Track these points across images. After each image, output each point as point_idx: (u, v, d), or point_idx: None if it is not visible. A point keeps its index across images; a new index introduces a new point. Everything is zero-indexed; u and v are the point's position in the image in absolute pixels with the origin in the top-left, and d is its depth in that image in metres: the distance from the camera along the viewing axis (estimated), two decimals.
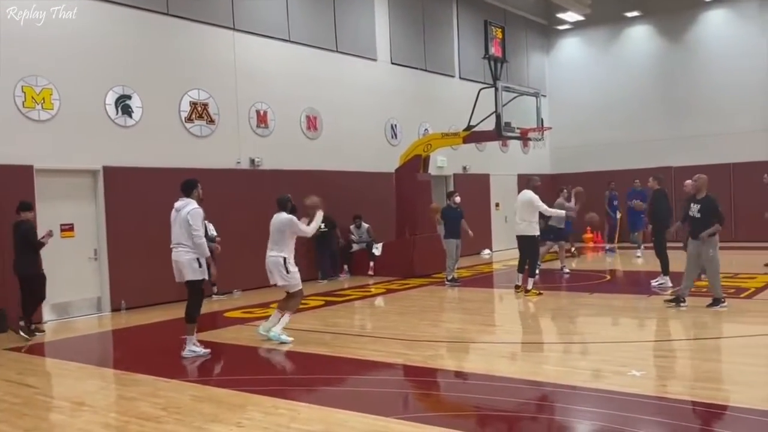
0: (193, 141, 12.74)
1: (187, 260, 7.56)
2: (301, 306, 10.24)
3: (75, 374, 7.41)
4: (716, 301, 9.20)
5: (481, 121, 14.24)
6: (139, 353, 8.34)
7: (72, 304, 10.98)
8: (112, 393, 6.63)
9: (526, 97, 14.62)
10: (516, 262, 11.79)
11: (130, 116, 11.73)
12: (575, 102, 22.84)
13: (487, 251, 19.56)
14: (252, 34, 13.87)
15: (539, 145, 16.68)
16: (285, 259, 8.16)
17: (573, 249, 17.02)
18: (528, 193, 11.23)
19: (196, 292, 7.78)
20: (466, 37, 19.68)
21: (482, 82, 16.66)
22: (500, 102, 13.68)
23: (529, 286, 11.26)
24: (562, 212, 12.21)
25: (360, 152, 15.99)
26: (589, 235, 20.91)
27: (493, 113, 13.83)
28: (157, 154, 12.02)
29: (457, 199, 13.20)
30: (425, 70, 18.43)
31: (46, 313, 10.26)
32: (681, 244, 11.56)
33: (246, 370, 7.15)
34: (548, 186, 18.36)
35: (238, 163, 13.50)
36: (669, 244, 11.49)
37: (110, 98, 11.46)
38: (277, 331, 8.19)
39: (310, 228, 8.34)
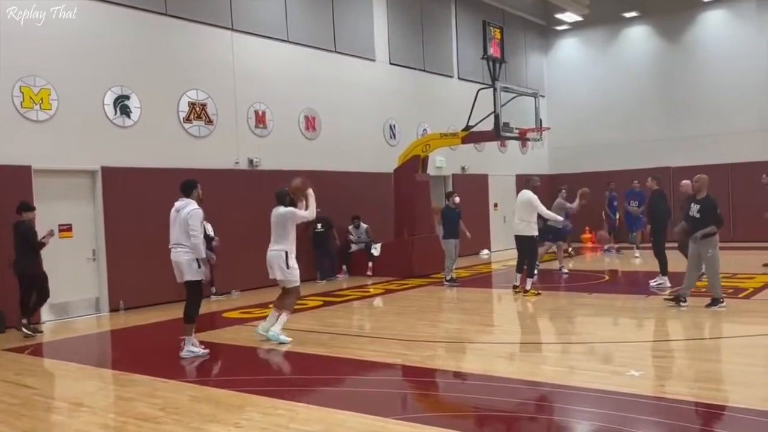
0: (192, 141, 12.73)
1: (187, 260, 7.56)
2: (300, 306, 10.26)
3: (73, 375, 7.40)
4: (715, 301, 9.21)
5: (480, 121, 14.25)
6: (138, 354, 8.33)
7: (70, 305, 10.97)
8: (110, 393, 6.62)
9: (525, 97, 14.62)
10: (515, 263, 11.78)
11: (129, 116, 11.73)
12: (574, 102, 22.86)
13: (485, 251, 19.56)
14: (250, 34, 13.87)
15: (538, 146, 16.69)
16: (287, 253, 8.15)
17: (570, 249, 17.02)
18: (527, 194, 11.23)
19: (194, 292, 7.77)
20: (465, 38, 19.69)
21: (481, 83, 16.67)
22: (499, 102, 13.68)
23: (528, 287, 11.26)
24: (560, 218, 12.12)
25: (359, 152, 15.99)
26: (587, 236, 20.93)
27: (491, 113, 13.83)
28: (156, 155, 12.01)
29: (457, 199, 13.20)
30: (424, 71, 18.44)
31: (45, 313, 10.25)
32: (675, 244, 11.61)
33: (244, 371, 7.15)
34: (547, 186, 18.37)
35: (237, 163, 13.49)
36: (666, 245, 11.50)
37: (109, 98, 11.45)
38: (276, 331, 8.18)
39: (308, 211, 8.26)
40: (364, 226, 15.45)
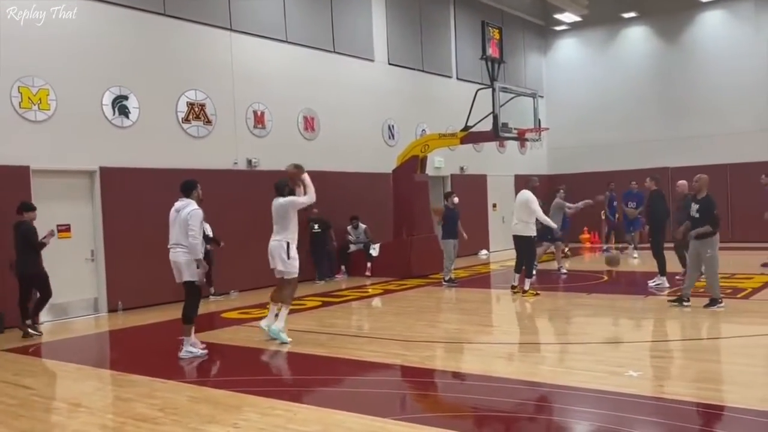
0: (190, 142, 12.72)
1: (186, 261, 7.56)
2: (298, 307, 10.27)
3: (72, 375, 7.40)
4: (713, 302, 9.21)
5: (479, 121, 14.25)
6: (136, 354, 8.32)
7: (69, 305, 10.96)
8: (108, 394, 6.62)
9: (524, 97, 14.61)
10: (513, 263, 11.78)
11: (127, 117, 11.72)
12: (572, 103, 22.87)
13: (484, 252, 19.56)
14: (249, 34, 13.86)
15: (536, 146, 16.73)
16: (288, 244, 8.19)
17: (566, 250, 17.01)
18: (526, 194, 11.23)
19: (193, 292, 7.77)
20: (464, 38, 19.69)
21: (479, 83, 16.68)
22: (497, 103, 13.68)
23: (527, 287, 11.26)
24: (553, 224, 11.96)
25: (357, 153, 15.99)
26: (586, 236, 20.94)
27: (490, 114, 13.83)
28: (154, 155, 12.00)
29: (455, 199, 13.20)
30: (422, 71, 18.44)
31: (43, 314, 10.21)
32: (672, 245, 11.62)
33: (243, 371, 7.14)
34: (545, 186, 18.37)
35: (235, 163, 13.49)
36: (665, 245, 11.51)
37: (107, 99, 11.44)
38: (279, 328, 8.21)
39: (307, 196, 8.27)
40: (362, 226, 15.45)
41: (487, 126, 14.08)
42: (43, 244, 9.39)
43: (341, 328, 9.36)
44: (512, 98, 14.20)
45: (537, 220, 11.45)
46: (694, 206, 9.35)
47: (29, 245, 9.27)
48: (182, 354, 7.65)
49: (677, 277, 11.85)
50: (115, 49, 11.60)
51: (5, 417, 5.70)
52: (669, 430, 4.90)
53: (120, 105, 11.61)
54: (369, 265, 15.09)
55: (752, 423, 4.96)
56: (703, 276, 9.80)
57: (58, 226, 10.43)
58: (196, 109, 12.82)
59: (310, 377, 6.94)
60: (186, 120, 12.64)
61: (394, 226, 15.30)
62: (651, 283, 11.62)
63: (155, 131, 12.10)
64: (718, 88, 20.15)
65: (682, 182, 11.86)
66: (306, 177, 8.31)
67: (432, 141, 15.33)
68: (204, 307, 9.95)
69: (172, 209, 7.75)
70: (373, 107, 16.79)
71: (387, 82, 17.28)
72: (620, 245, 17.88)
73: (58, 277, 9.95)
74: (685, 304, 9.38)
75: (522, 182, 11.99)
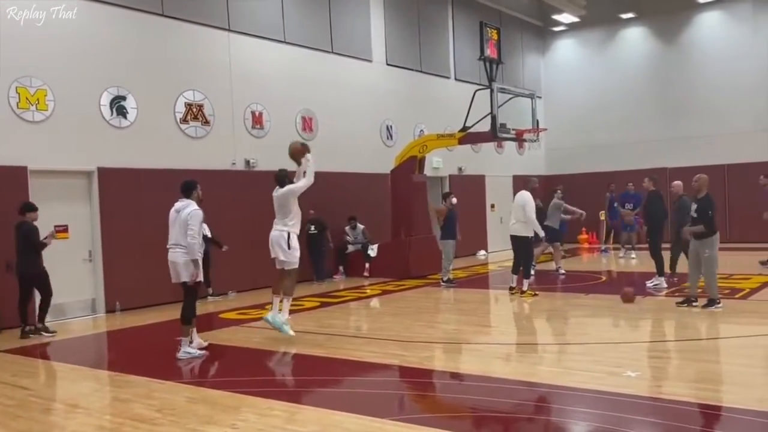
0: (188, 142, 12.71)
1: (184, 261, 7.56)
2: (297, 307, 10.26)
3: (69, 376, 7.39)
4: (711, 302, 9.21)
5: (477, 122, 14.26)
6: (134, 355, 8.31)
7: (66, 306, 10.93)
8: (106, 395, 6.61)
9: (522, 98, 14.62)
10: (511, 263, 11.78)
11: (125, 117, 11.70)
12: (570, 103, 22.88)
13: (482, 252, 19.57)
14: (247, 35, 13.85)
15: (534, 146, 16.72)
16: (289, 234, 8.24)
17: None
18: (525, 195, 11.23)
19: (190, 293, 7.77)
20: (462, 39, 19.70)
21: (478, 84, 16.68)
22: (496, 103, 13.68)
23: (525, 287, 11.26)
24: (541, 232, 11.67)
25: (356, 153, 15.98)
26: (584, 236, 20.95)
27: (488, 114, 13.84)
28: (152, 156, 11.99)
29: (454, 200, 13.21)
30: (421, 72, 18.44)
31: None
32: (668, 245, 11.64)
33: (241, 372, 7.13)
34: (544, 187, 18.37)
35: (234, 164, 13.48)
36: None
37: (105, 99, 11.43)
38: (282, 320, 8.25)
39: (305, 179, 8.28)
40: (360, 226, 15.44)
41: (485, 126, 14.08)
42: (44, 245, 9.40)
43: (339, 328, 9.36)
44: (510, 99, 14.21)
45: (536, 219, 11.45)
46: (694, 206, 9.35)
47: (30, 246, 9.29)
48: (180, 355, 7.65)
49: (673, 279, 11.88)
50: (113, 49, 11.58)
51: (3, 418, 5.68)
52: (667, 430, 4.90)
53: (118, 105, 11.60)
54: (367, 265, 15.08)
55: (750, 423, 4.96)
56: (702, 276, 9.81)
57: (55, 226, 10.40)
58: (194, 110, 12.81)
59: (308, 378, 6.94)
60: (184, 120, 12.63)
61: (393, 227, 15.29)
62: (649, 284, 11.62)
63: (153, 132, 12.09)
64: (716, 88, 20.18)
65: (677, 183, 11.88)
66: (310, 158, 8.33)
67: (430, 141, 15.33)
68: (202, 308, 9.95)
69: (172, 209, 7.75)
70: (372, 108, 16.79)
71: (385, 83, 17.28)
72: (626, 246, 17.86)
73: (56, 277, 9.93)
74: (694, 304, 9.36)
75: (520, 183, 11.98)
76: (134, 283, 11.37)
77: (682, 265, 11.56)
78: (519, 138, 14.63)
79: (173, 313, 9.55)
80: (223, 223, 12.48)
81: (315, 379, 6.83)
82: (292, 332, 8.27)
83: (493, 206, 20.57)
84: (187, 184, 7.86)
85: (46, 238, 9.44)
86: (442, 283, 13.03)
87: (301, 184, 8.29)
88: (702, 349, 7.44)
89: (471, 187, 19.50)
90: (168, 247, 7.71)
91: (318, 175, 8.58)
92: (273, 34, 14.35)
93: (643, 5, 21.36)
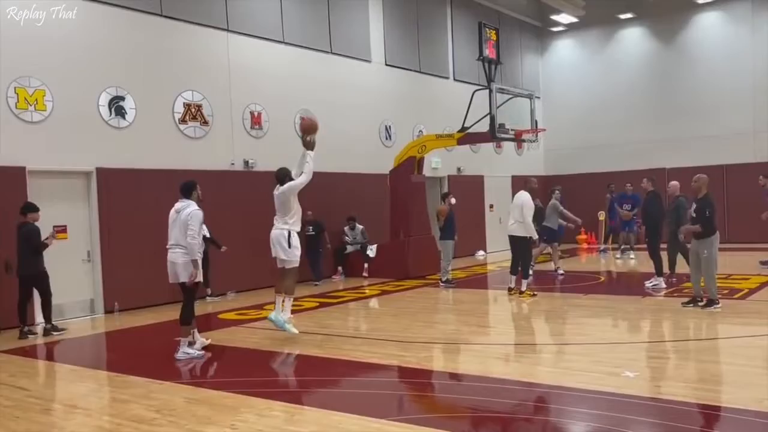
0: (187, 142, 12.71)
1: (184, 262, 7.56)
2: (296, 308, 10.23)
3: (68, 376, 7.38)
4: (710, 302, 9.22)
5: (476, 122, 14.25)
6: (133, 355, 8.30)
7: (65, 306, 10.91)
8: (105, 395, 6.60)
9: (521, 98, 14.63)
10: (509, 264, 11.78)
11: (124, 117, 11.70)
12: (569, 103, 22.90)
13: (481, 252, 19.58)
14: (246, 35, 13.85)
15: (533, 147, 16.74)
16: (289, 232, 8.27)
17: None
18: (524, 195, 11.23)
19: (189, 293, 7.77)
20: (461, 39, 19.70)
21: (476, 84, 16.70)
22: (494, 103, 13.69)
23: (523, 288, 11.25)
24: (534, 234, 11.58)
25: (354, 154, 15.98)
26: (583, 236, 20.96)
27: (487, 115, 13.84)
28: (151, 156, 11.98)
29: (452, 200, 13.21)
30: (419, 72, 18.45)
31: (39, 315, 10.19)
32: (664, 246, 11.63)
33: (240, 372, 7.13)
34: (542, 187, 18.38)
35: (232, 164, 13.47)
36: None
37: (103, 99, 11.42)
38: (284, 319, 8.30)
39: (304, 176, 8.32)
40: (359, 227, 15.43)
41: (484, 127, 14.08)
42: (45, 245, 9.43)
43: (338, 329, 9.36)
44: (509, 99, 14.21)
45: (533, 220, 11.44)
46: (694, 206, 9.35)
47: (31, 247, 9.30)
48: (179, 355, 7.65)
49: (672, 279, 11.89)
50: (111, 49, 11.58)
51: (1, 418, 5.68)
52: (666, 430, 4.90)
53: (116, 106, 11.59)
54: (366, 266, 15.08)
55: (749, 423, 4.97)
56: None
57: (54, 227, 10.40)
58: (193, 110, 12.80)
59: (307, 378, 6.95)
60: (183, 121, 12.62)
61: (391, 227, 15.29)
62: (648, 284, 11.63)
63: (152, 132, 12.08)
64: (714, 88, 20.19)
65: (674, 183, 11.91)
66: (311, 155, 8.41)
67: (429, 142, 15.33)
68: (201, 308, 9.95)
69: (172, 210, 7.75)
70: (370, 108, 16.79)
71: (384, 83, 17.28)
72: (624, 246, 17.84)
73: (55, 277, 9.93)
74: (699, 304, 9.36)
75: (519, 183, 11.97)
76: (133, 284, 11.36)
77: (681, 266, 11.60)
78: (518, 138, 14.64)
79: (172, 313, 9.55)
80: (222, 223, 12.47)
81: (314, 379, 6.83)
82: (295, 330, 8.33)
83: (491, 207, 20.57)
84: (186, 184, 7.86)
85: (47, 239, 9.48)
86: (441, 284, 13.03)
87: (301, 180, 8.33)
88: (701, 350, 7.45)
89: (470, 188, 19.51)
90: (168, 247, 7.71)
91: (317, 176, 8.59)
92: (272, 35, 14.34)
93: (642, 6, 21.37)
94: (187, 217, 7.53)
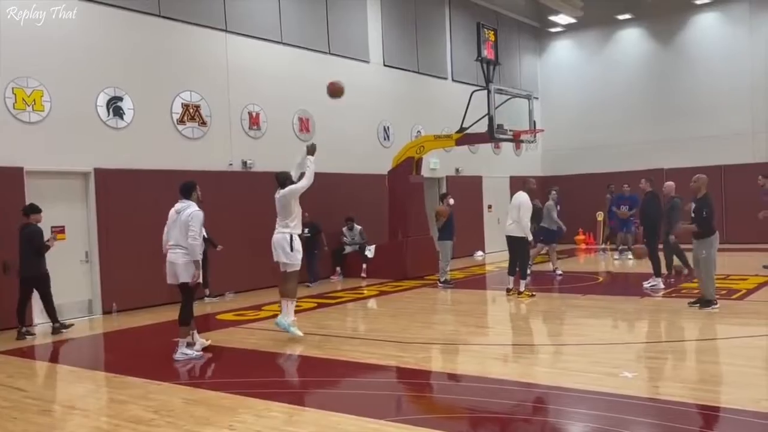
0: (185, 143, 12.70)
1: (184, 263, 7.56)
2: (294, 308, 10.22)
3: (66, 377, 7.38)
4: (708, 303, 9.23)
5: (474, 123, 14.26)
6: (131, 356, 8.29)
7: (63, 307, 10.85)
8: (103, 396, 6.59)
9: (519, 99, 14.64)
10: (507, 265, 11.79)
11: (122, 118, 11.69)
12: (567, 104, 22.92)
13: (479, 253, 19.58)
14: (244, 35, 13.84)
15: (532, 147, 16.81)
16: (291, 236, 8.30)
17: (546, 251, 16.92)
18: (521, 196, 11.23)
19: (189, 294, 7.77)
20: (459, 40, 19.71)
21: (475, 84, 16.71)
22: (493, 104, 13.70)
23: (522, 288, 11.26)
24: (530, 235, 11.42)
25: (353, 154, 15.97)
26: (581, 237, 20.98)
27: (485, 115, 13.85)
28: (149, 156, 11.97)
29: (451, 201, 13.21)
30: (418, 72, 18.45)
31: (37, 315, 10.20)
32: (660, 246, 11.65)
33: (238, 373, 7.12)
34: (541, 188, 18.38)
35: (231, 165, 13.46)
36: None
37: (101, 100, 11.41)
38: (287, 322, 8.34)
39: (305, 179, 8.39)
40: (357, 227, 15.43)
41: (482, 127, 14.09)
42: (47, 247, 9.43)
43: (336, 329, 9.35)
44: (507, 100, 14.23)
45: (531, 220, 11.44)
46: (693, 206, 9.35)
47: (33, 248, 9.30)
48: (177, 356, 7.64)
49: (670, 279, 11.90)
50: (109, 50, 11.57)
51: None
52: (664, 431, 4.91)
53: (115, 106, 11.58)
54: (364, 266, 15.07)
55: (747, 424, 4.97)
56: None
57: (52, 227, 10.41)
58: (191, 111, 12.79)
59: (306, 379, 6.95)
60: (181, 121, 12.61)
61: (390, 228, 15.30)
62: (646, 284, 11.63)
63: (150, 132, 12.07)
64: (713, 89, 20.22)
65: (669, 183, 11.92)
66: (311, 159, 8.49)
67: (427, 142, 15.33)
68: (199, 309, 9.94)
69: (172, 210, 7.75)
70: (369, 109, 16.79)
71: (382, 84, 17.28)
72: (622, 246, 17.84)
73: (53, 278, 9.91)
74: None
75: (517, 184, 11.97)
76: (131, 284, 11.35)
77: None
78: (516, 139, 14.65)
79: (170, 314, 9.55)
80: (220, 224, 12.46)
81: (313, 380, 6.83)
82: (300, 332, 8.35)
83: (490, 207, 20.57)
84: (186, 185, 7.86)
85: (48, 240, 9.51)
86: (440, 284, 13.03)
87: (302, 184, 8.37)
88: (699, 350, 7.46)
89: (468, 188, 19.52)
90: (168, 247, 7.70)
91: (315, 176, 8.59)
92: (270, 35, 14.34)
93: (640, 6, 21.39)
94: (187, 218, 7.53)
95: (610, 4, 21.66)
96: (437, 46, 19.25)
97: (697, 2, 20.46)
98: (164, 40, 12.45)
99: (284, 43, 14.65)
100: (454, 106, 16.06)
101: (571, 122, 22.71)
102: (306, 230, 13.96)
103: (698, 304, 9.38)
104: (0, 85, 10.17)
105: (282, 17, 14.57)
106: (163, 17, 12.39)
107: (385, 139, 17.37)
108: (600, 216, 19.34)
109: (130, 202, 11.49)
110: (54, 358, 8.55)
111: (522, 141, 14.96)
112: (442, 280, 13.06)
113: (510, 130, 14.16)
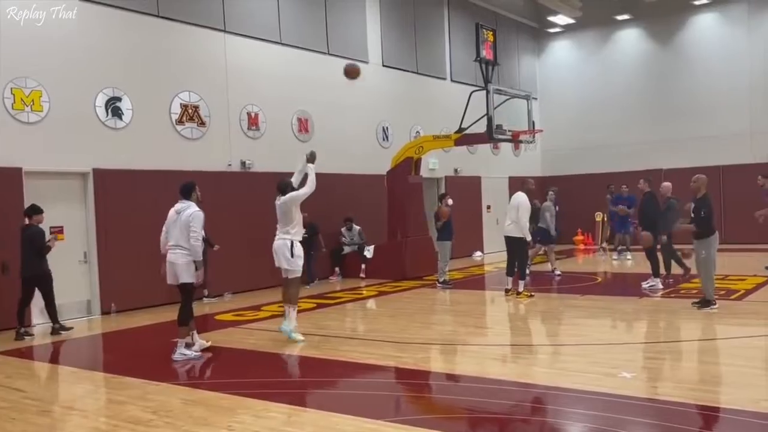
0: (184, 143, 12.69)
1: (185, 263, 7.56)
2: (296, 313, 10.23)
3: (64, 378, 7.38)
4: (707, 303, 9.23)
5: (473, 123, 14.26)
6: (129, 357, 8.29)
7: (62, 307, 10.82)
8: (101, 396, 6.59)
9: (518, 99, 14.65)
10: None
11: (120, 118, 11.68)
12: (566, 104, 22.93)
13: (478, 253, 19.58)
14: (243, 36, 13.84)
15: (530, 148, 16.81)
16: (292, 242, 8.31)
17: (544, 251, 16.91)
18: (520, 196, 11.23)
19: (189, 294, 7.77)
20: (458, 40, 19.72)
21: (474, 85, 16.69)
22: (491, 104, 13.70)
23: (521, 288, 11.26)
24: (528, 236, 11.39)
25: (351, 155, 15.97)
26: (579, 237, 20.98)
27: (484, 116, 13.85)
28: (148, 157, 11.96)
29: (450, 201, 13.22)
30: (417, 73, 18.45)
31: (36, 316, 10.19)
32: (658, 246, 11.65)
33: (237, 374, 7.12)
34: (540, 188, 18.40)
35: (229, 165, 13.45)
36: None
37: (100, 100, 11.40)
38: (290, 329, 8.35)
39: (307, 187, 8.42)
40: (356, 228, 15.42)
41: (481, 128, 14.09)
42: (48, 248, 9.45)
43: (335, 330, 9.35)
44: (506, 100, 14.24)
45: (531, 221, 11.45)
46: (693, 206, 9.35)
47: (35, 249, 9.32)
48: (176, 356, 7.64)
49: (669, 280, 11.90)
50: (108, 50, 11.56)
51: None
52: (663, 431, 4.91)
53: (113, 106, 11.57)
54: (363, 266, 15.07)
55: (745, 424, 4.97)
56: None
57: (51, 228, 10.40)
58: (190, 111, 12.79)
59: (304, 379, 6.95)
60: (180, 122, 12.61)
61: (389, 228, 15.30)
62: (644, 285, 11.64)
63: (149, 133, 12.06)
64: (711, 90, 20.24)
65: (666, 184, 11.93)
66: (311, 167, 8.57)
67: (426, 143, 15.33)
68: (198, 309, 9.92)
69: (172, 210, 7.75)
70: (368, 109, 16.79)
71: (381, 84, 17.28)
72: (620, 247, 17.84)
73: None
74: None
75: (516, 184, 11.97)
76: (130, 285, 11.34)
77: (675, 267, 11.63)
78: (515, 139, 14.66)
79: (169, 314, 9.55)
80: (219, 224, 12.43)
81: (311, 380, 6.83)
82: (301, 338, 8.32)
83: (489, 207, 20.58)
84: (186, 185, 7.87)
85: (48, 241, 9.51)
86: (439, 285, 13.03)
87: (304, 191, 8.38)
88: (697, 350, 7.46)
89: (467, 189, 19.52)
90: (168, 247, 7.69)
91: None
92: (269, 35, 14.34)
93: (639, 7, 21.41)
94: (188, 219, 7.53)
95: (609, 5, 21.68)
96: (436, 46, 19.25)
97: (696, 3, 20.48)
98: (163, 40, 12.44)
99: (283, 44, 14.65)
100: (453, 107, 16.07)
101: (570, 122, 22.72)
102: (304, 231, 13.96)
103: (699, 304, 9.39)
104: None
105: (281, 17, 14.57)
106: (162, 17, 12.39)
107: (384, 139, 17.37)
108: (599, 216, 19.34)
109: (128, 203, 11.49)
110: (53, 359, 8.54)
111: (521, 141, 14.96)
112: (440, 280, 13.06)
113: (509, 131, 14.16)
